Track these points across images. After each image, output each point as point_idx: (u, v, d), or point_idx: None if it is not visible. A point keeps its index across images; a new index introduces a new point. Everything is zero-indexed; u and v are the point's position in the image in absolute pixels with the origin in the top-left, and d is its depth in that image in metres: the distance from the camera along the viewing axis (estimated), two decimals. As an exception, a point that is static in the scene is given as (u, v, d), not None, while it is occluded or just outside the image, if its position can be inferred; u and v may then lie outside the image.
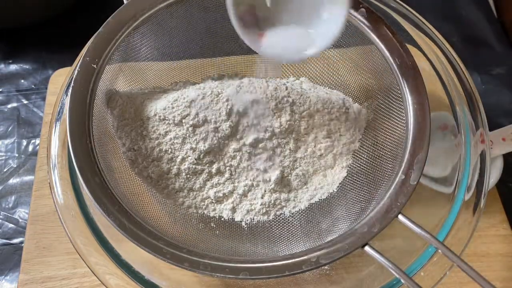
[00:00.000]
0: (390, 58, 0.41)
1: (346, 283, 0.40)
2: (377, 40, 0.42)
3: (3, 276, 0.49)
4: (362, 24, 0.42)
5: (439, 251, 0.33)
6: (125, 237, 0.34)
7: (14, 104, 0.61)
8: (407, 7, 0.48)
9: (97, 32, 0.41)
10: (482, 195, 0.39)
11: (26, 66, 0.64)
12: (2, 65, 0.64)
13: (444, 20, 0.67)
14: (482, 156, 0.41)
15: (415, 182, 0.36)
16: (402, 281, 0.32)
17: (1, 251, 0.50)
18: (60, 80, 0.45)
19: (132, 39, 0.43)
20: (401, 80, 0.40)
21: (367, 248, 0.34)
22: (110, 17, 0.42)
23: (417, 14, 0.48)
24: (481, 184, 0.40)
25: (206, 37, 0.49)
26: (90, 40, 0.41)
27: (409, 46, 0.42)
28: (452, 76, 0.45)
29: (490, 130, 0.43)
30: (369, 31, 0.42)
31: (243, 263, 0.34)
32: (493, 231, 0.47)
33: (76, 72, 0.39)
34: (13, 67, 0.64)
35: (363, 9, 0.42)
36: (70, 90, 0.39)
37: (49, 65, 0.64)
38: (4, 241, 0.51)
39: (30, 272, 0.45)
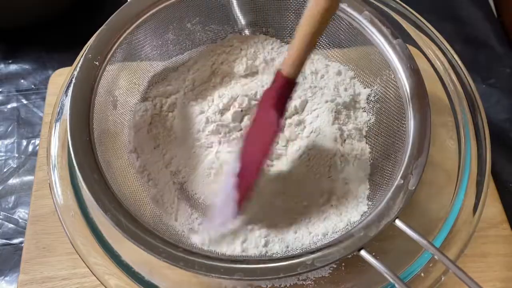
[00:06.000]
0: (391, 59, 0.41)
1: (346, 283, 0.39)
2: (378, 41, 0.42)
3: (3, 277, 0.49)
4: (363, 26, 0.42)
5: (435, 257, 0.33)
6: (121, 235, 0.34)
7: (14, 104, 0.61)
8: (407, 7, 0.48)
9: (99, 30, 0.41)
10: (482, 195, 0.39)
11: (26, 66, 0.64)
12: (2, 65, 0.64)
13: (444, 20, 0.66)
14: (482, 157, 0.41)
15: (414, 187, 0.35)
16: (397, 286, 0.32)
17: (1, 251, 0.50)
18: (60, 80, 0.45)
19: (134, 37, 0.43)
20: (401, 81, 0.40)
21: (363, 252, 0.33)
22: (113, 14, 0.41)
23: (417, 14, 0.48)
24: (481, 184, 0.40)
25: (208, 36, 0.49)
26: (93, 37, 0.41)
27: (409, 46, 0.42)
28: (452, 76, 0.45)
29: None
30: (370, 32, 0.42)
31: (239, 264, 0.34)
32: (493, 231, 0.47)
33: (78, 69, 0.39)
34: (13, 67, 0.64)
35: (366, 12, 0.42)
36: (71, 87, 0.38)
37: (49, 65, 0.64)
38: (4, 241, 0.51)
39: (30, 272, 0.45)
